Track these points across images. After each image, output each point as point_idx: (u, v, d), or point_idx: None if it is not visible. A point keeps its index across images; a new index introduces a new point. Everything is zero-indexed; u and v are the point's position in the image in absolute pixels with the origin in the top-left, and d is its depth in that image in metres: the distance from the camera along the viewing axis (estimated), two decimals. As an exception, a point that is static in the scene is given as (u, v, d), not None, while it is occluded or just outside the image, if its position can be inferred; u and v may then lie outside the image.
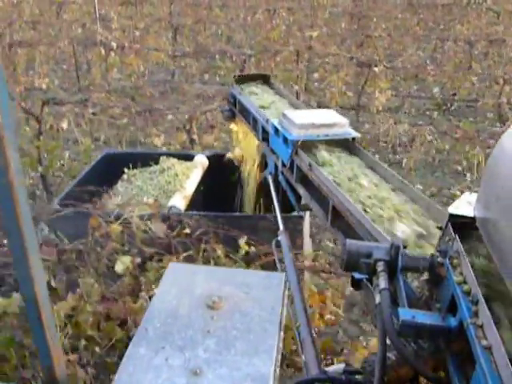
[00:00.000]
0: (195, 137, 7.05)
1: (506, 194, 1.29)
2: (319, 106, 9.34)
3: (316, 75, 12.02)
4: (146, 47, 12.43)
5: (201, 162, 5.32)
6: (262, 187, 4.87)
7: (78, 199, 4.53)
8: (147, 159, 5.34)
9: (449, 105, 10.66)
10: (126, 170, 5.25)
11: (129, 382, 1.01)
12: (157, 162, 5.27)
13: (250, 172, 5.07)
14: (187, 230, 3.87)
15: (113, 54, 11.68)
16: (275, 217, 3.54)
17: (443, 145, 8.73)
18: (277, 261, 3.03)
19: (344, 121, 3.45)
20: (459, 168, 8.26)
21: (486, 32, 15.25)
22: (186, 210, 4.57)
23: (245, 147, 5.08)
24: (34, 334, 1.00)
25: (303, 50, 10.80)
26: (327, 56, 11.71)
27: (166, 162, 5.25)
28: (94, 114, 8.32)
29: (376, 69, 9.76)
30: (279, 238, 3.21)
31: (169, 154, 5.43)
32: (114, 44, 11.39)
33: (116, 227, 3.53)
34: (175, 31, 14.34)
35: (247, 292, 1.21)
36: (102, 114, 8.38)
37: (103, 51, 11.61)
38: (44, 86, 10.61)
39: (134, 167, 5.29)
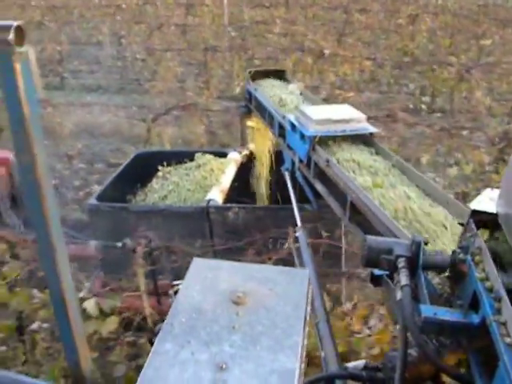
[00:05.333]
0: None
1: None
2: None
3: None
4: (354, 55, 10.84)
5: (234, 158, 5.35)
6: (277, 182, 4.90)
7: (112, 197, 4.63)
8: (180, 157, 5.39)
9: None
10: (160, 167, 5.31)
11: (155, 376, 1.02)
12: (191, 160, 5.31)
13: (265, 167, 5.10)
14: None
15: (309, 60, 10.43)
16: (293, 212, 3.55)
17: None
18: (295, 257, 3.04)
19: (361, 116, 3.44)
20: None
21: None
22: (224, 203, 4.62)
23: (260, 143, 5.10)
24: (61, 329, 1.02)
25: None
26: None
27: (201, 158, 5.30)
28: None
29: None
30: (297, 234, 3.22)
31: (202, 151, 5.47)
32: (326, 51, 10.27)
33: None
34: (340, 36, 13.07)
35: (271, 288, 1.21)
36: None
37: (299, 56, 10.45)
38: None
39: (168, 165, 5.35)
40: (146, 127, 8.13)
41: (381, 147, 3.26)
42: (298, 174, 3.68)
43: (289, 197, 3.93)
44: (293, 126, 3.59)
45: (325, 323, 2.32)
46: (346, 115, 3.43)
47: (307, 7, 16.31)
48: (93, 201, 4.52)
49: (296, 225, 3.51)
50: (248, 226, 4.24)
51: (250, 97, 4.93)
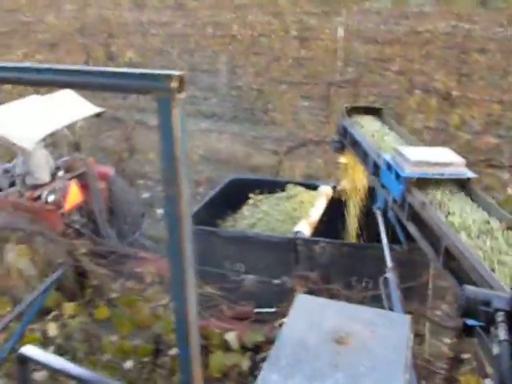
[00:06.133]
0: None
1: None
2: None
3: None
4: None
5: (325, 192, 5.35)
6: (366, 220, 4.86)
7: (203, 220, 4.79)
8: (272, 186, 5.44)
9: None
10: (251, 195, 5.39)
11: (262, 405, 1.07)
12: (282, 190, 5.40)
13: (355, 204, 5.08)
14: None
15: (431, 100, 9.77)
16: (383, 252, 3.52)
17: None
18: (384, 297, 3.02)
19: (460, 160, 3.39)
20: None
21: None
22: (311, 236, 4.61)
23: (352, 179, 5.10)
24: (180, 349, 1.09)
25: None
26: None
27: (292, 189, 5.34)
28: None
29: None
30: (387, 274, 3.20)
31: (294, 183, 5.51)
32: (454, 92, 9.70)
33: None
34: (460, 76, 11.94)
35: (373, 330, 1.24)
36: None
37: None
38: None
39: (260, 193, 5.42)
40: (278, 159, 8.06)
41: (478, 194, 3.20)
42: (390, 213, 3.66)
43: (377, 236, 3.90)
44: (388, 165, 3.59)
45: (411, 369, 2.29)
46: (444, 158, 3.40)
47: (422, 45, 15.75)
48: None
49: (385, 265, 3.48)
50: (334, 262, 4.23)
51: (344, 132, 4.95)
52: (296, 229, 4.55)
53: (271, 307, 3.59)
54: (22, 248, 4.26)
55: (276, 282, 3.66)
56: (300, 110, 10.98)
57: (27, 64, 1.05)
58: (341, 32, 12.77)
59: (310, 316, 1.28)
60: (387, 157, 3.65)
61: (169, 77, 0.88)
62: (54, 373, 3.09)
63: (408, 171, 3.30)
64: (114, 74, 0.93)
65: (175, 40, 16.63)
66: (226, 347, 3.07)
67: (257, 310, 3.82)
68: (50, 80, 1.05)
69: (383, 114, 5.05)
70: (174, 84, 0.88)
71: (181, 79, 0.88)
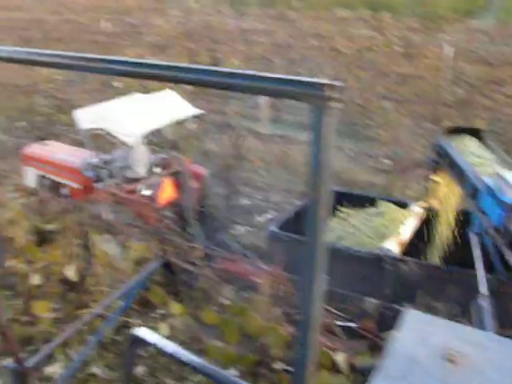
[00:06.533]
0: None
1: None
2: None
3: None
4: None
5: (416, 211, 5.23)
6: (457, 243, 4.73)
7: (294, 228, 4.82)
8: (361, 200, 5.42)
9: None
10: (341, 208, 5.36)
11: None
12: (371, 205, 5.34)
13: (446, 226, 4.95)
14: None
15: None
16: (472, 278, 3.42)
17: None
18: (475, 326, 2.93)
19: None
20: None
21: None
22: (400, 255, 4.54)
23: (445, 200, 4.98)
24: (297, 351, 1.12)
25: None
26: None
27: (383, 206, 5.29)
28: None
29: None
30: (480, 301, 3.11)
31: (385, 199, 5.46)
32: None
33: None
34: None
35: (486, 354, 1.22)
36: None
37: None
38: None
39: (349, 206, 5.39)
40: (389, 178, 7.91)
41: None
42: (486, 239, 3.56)
43: (469, 261, 3.79)
44: (489, 189, 3.49)
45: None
46: None
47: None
48: (273, 228, 4.75)
49: (474, 292, 3.37)
50: (421, 283, 4.14)
51: (441, 152, 4.85)
52: (384, 246, 4.50)
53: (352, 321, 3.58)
54: (125, 241, 4.42)
55: (398, 307, 3.61)
56: (404, 129, 10.69)
57: (174, 63, 1.11)
58: (449, 51, 12.27)
59: (419, 331, 1.29)
60: (487, 180, 3.56)
61: (324, 85, 0.92)
62: (154, 368, 3.17)
63: (511, 196, 3.20)
64: (269, 79, 0.99)
65: (277, 49, 16.66)
66: (334, 368, 2.99)
67: (339, 324, 3.79)
68: (200, 80, 1.12)
69: (484, 136, 4.91)
70: (328, 92, 0.92)
71: (335, 88, 0.92)
